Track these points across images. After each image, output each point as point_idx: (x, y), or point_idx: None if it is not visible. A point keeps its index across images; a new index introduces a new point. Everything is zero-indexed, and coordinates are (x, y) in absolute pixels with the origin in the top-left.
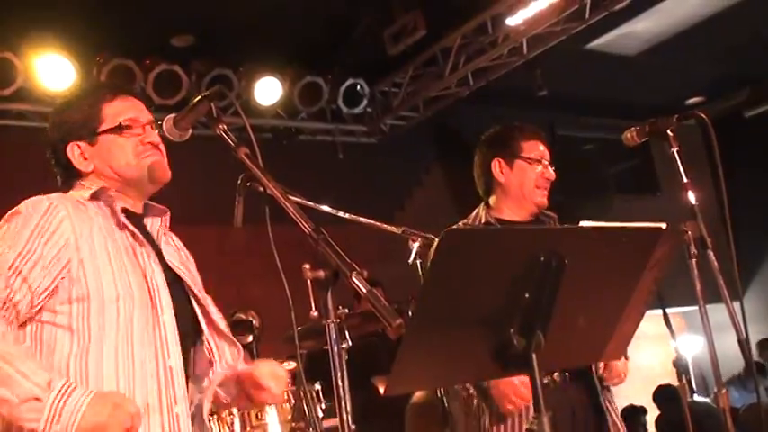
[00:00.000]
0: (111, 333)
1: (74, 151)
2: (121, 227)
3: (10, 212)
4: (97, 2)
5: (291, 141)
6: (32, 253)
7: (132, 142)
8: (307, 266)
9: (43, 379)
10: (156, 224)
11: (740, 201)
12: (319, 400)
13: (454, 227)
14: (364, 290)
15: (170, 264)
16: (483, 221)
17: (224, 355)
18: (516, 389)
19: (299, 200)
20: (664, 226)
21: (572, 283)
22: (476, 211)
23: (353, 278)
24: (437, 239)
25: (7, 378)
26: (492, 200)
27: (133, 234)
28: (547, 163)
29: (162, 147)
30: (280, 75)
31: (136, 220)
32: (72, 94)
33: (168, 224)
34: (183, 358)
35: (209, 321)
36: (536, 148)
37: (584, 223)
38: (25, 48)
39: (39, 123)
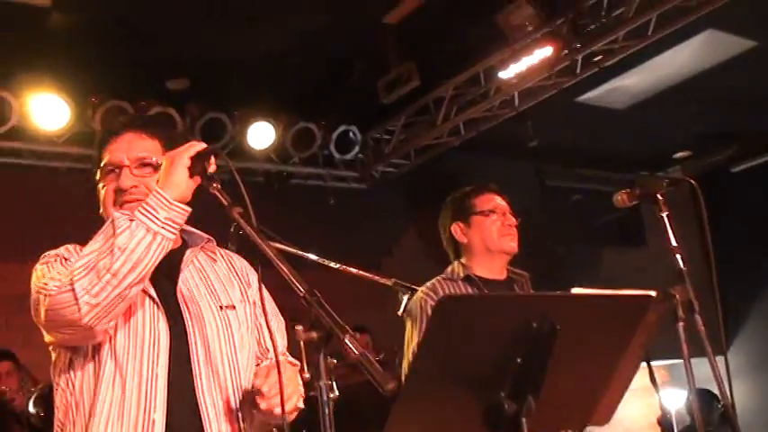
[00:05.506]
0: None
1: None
2: None
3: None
4: (93, 43)
5: (283, 185)
6: None
7: (109, 191)
8: (300, 328)
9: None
10: (192, 254)
11: (726, 255)
12: None
13: (436, 282)
14: (357, 353)
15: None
16: (462, 275)
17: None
18: None
19: (288, 248)
20: (653, 294)
21: (563, 348)
22: (450, 267)
23: (346, 341)
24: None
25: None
26: (463, 260)
27: None
28: (505, 212)
29: (137, 188)
30: (273, 120)
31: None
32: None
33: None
34: None
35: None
36: (489, 201)
37: (575, 290)
38: (21, 87)
39: (33, 161)
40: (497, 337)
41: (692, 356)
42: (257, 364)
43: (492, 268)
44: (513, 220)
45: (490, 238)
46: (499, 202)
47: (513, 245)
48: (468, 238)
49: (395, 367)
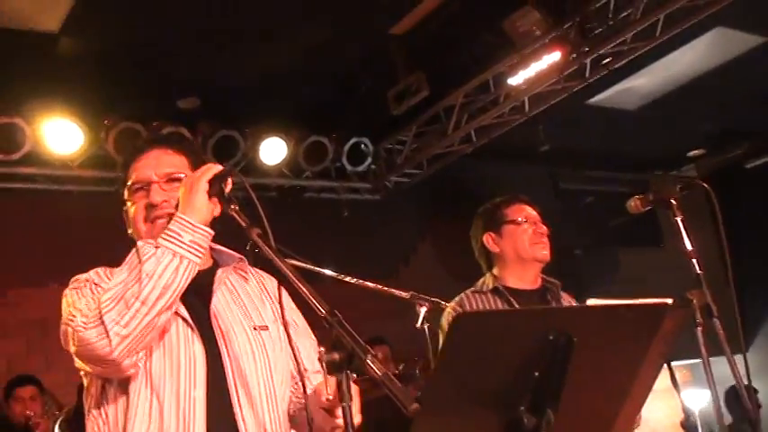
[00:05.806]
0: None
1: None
2: None
3: None
4: (102, 66)
5: (297, 200)
6: None
7: (139, 208)
8: (322, 349)
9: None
10: (224, 274)
11: (742, 251)
12: None
13: (463, 296)
14: (379, 373)
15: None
16: (491, 287)
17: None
18: None
19: (305, 265)
20: (670, 301)
21: (581, 360)
22: (482, 279)
23: (369, 361)
24: (445, 307)
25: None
26: (495, 271)
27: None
28: (536, 221)
29: (168, 202)
30: (285, 135)
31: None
32: None
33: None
34: None
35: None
36: (520, 211)
37: (591, 301)
38: (33, 113)
39: (47, 186)
40: (514, 352)
41: (712, 355)
42: (296, 383)
43: (524, 277)
44: (545, 228)
45: (522, 247)
46: (530, 211)
47: (545, 253)
48: (500, 248)
49: (416, 378)
